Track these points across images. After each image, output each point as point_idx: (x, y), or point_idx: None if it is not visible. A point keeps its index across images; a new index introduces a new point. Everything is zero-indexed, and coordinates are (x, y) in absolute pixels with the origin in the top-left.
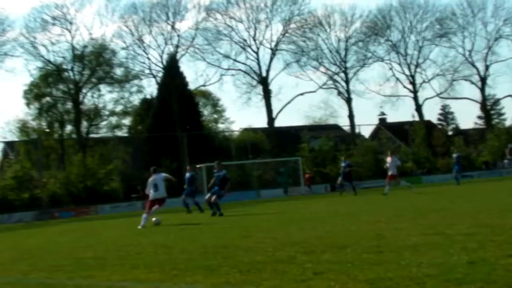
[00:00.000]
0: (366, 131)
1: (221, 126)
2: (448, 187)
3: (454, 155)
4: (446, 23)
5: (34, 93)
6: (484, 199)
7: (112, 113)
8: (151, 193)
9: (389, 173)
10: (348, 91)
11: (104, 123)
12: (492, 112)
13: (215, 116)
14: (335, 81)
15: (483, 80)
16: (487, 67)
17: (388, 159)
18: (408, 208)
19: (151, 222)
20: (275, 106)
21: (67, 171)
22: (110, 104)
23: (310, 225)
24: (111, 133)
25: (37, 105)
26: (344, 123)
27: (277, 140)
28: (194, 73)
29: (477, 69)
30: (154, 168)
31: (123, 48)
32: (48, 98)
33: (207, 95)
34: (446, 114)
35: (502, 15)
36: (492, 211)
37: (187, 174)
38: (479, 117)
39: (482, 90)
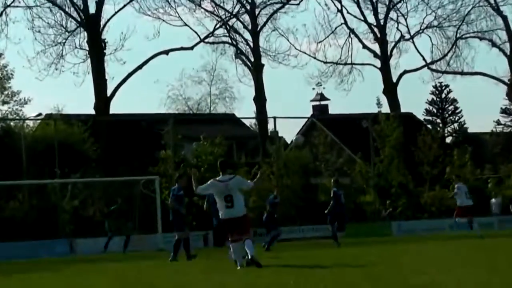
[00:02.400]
0: (288, 130)
1: (2, 108)
2: None
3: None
4: None
5: None
6: None
7: None
8: None
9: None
10: (255, 49)
11: None
12: None
13: None
14: (232, 30)
15: None
16: None
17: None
18: None
19: None
20: (114, 74)
21: None
22: None
23: None
24: None
25: None
26: (247, 113)
27: (114, 141)
28: None
29: None
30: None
31: None
32: None
33: None
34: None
35: None
36: None
37: None
38: None
39: None
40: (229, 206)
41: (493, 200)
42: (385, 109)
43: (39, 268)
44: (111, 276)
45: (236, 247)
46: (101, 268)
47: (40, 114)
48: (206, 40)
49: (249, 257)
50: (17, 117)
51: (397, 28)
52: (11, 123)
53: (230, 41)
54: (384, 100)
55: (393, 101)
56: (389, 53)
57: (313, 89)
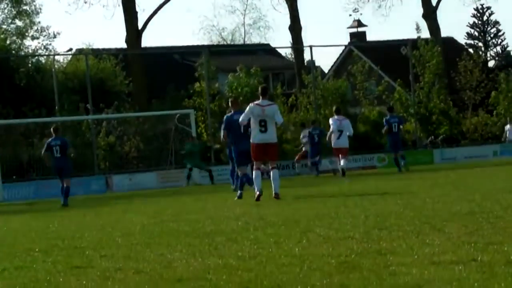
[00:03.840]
0: (325, 59)
1: (31, 44)
2: None
3: None
4: None
5: None
6: None
7: None
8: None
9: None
10: None
11: None
12: None
13: (19, 22)
14: None
15: None
16: None
17: None
18: None
19: None
20: (145, 6)
21: None
22: None
23: None
24: None
25: None
26: (282, 42)
27: (147, 75)
28: None
29: None
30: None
31: None
32: None
33: None
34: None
35: None
36: None
37: None
38: None
39: None
40: (262, 130)
41: (507, 126)
42: (425, 34)
43: (75, 205)
44: (148, 213)
45: (257, 175)
46: (138, 205)
47: (70, 49)
48: None
49: (273, 194)
50: (47, 54)
51: None
52: (42, 59)
53: None
54: (423, 25)
55: (433, 25)
56: None
57: (350, 15)
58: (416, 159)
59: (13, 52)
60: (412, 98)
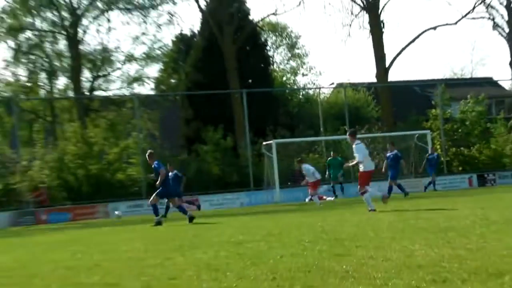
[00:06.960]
0: None
1: (301, 79)
2: None
3: None
4: None
5: (7, 25)
6: None
7: (130, 57)
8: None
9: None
10: (511, 21)
11: (116, 73)
12: None
13: (293, 63)
14: (490, 7)
15: None
16: None
17: None
18: None
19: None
20: (389, 49)
21: (60, 148)
22: (126, 44)
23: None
24: (128, 90)
25: (11, 43)
26: (503, 75)
27: (391, 103)
28: None
29: None
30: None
31: None
32: (29, 33)
33: (279, 30)
34: None
35: None
36: None
37: (171, 174)
38: None
39: None
40: (371, 159)
41: None
42: None
43: (335, 206)
44: (393, 212)
45: (368, 196)
46: (380, 207)
47: (332, 83)
48: (467, 16)
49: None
50: (314, 87)
51: None
52: (310, 92)
53: (488, 14)
54: None
55: None
56: None
57: None
58: None
59: (288, 86)
60: None
